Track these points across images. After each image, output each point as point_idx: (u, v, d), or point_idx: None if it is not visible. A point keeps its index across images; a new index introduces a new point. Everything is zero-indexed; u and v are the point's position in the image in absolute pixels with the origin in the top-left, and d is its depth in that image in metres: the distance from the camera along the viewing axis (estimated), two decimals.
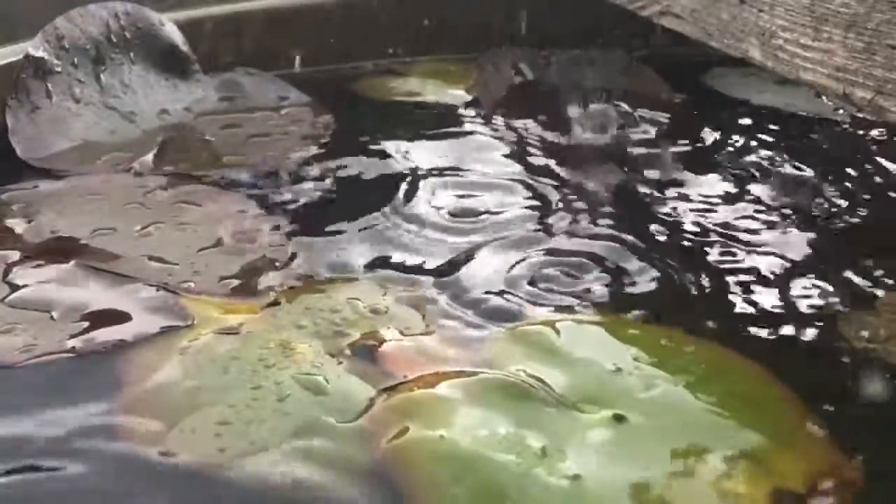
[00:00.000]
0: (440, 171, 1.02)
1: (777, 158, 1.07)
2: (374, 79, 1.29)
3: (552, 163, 1.05)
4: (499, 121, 1.16)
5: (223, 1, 1.24)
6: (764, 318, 0.77)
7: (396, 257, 0.85)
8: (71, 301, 0.76)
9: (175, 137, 1.07)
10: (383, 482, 0.60)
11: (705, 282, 0.82)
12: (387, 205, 0.94)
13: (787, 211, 0.95)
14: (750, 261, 0.85)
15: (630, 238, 0.89)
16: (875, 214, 0.96)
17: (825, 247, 0.88)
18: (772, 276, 0.83)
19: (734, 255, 0.86)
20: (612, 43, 1.31)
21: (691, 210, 0.95)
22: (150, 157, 1.00)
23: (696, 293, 0.80)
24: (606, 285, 0.81)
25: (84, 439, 0.63)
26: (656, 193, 0.99)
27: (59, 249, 0.84)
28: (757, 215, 0.93)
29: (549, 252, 0.86)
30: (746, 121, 1.18)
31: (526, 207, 0.95)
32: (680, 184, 1.01)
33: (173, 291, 0.78)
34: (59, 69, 1.05)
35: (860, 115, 1.13)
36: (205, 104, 1.15)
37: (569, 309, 0.78)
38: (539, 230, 0.90)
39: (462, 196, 0.97)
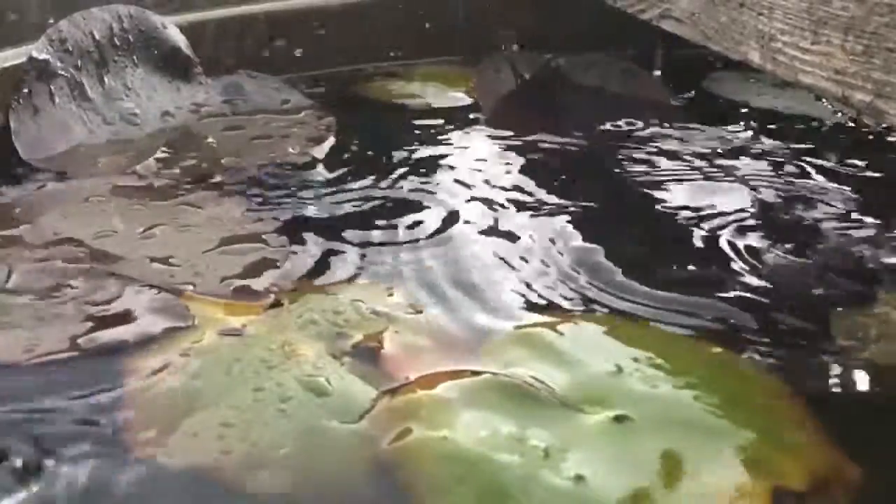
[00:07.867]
0: (441, 173, 1.02)
1: (776, 161, 1.07)
2: (376, 81, 1.30)
3: (551, 165, 1.06)
4: (498, 123, 1.16)
5: (225, 4, 1.25)
6: (762, 318, 0.77)
7: (398, 259, 0.85)
8: (73, 302, 0.77)
9: (178, 139, 1.07)
10: (386, 483, 0.60)
11: (705, 282, 0.82)
12: (388, 206, 0.95)
13: (786, 212, 0.95)
14: (749, 262, 0.85)
15: (630, 239, 0.89)
16: (872, 214, 0.96)
17: (823, 247, 0.88)
18: (770, 277, 0.83)
19: (734, 255, 0.86)
20: None
21: (691, 212, 0.95)
22: (152, 159, 1.01)
23: (696, 294, 0.81)
24: (607, 286, 0.81)
25: (85, 440, 0.63)
26: (655, 196, 0.99)
27: (61, 251, 0.84)
28: (756, 217, 0.94)
29: (550, 253, 0.86)
30: (746, 124, 1.19)
31: (526, 209, 0.95)
32: (679, 186, 1.01)
33: (175, 293, 0.78)
34: (62, 72, 1.06)
35: (859, 117, 1.14)
36: (207, 107, 1.16)
37: (570, 310, 0.78)
38: (539, 232, 0.90)
39: (463, 197, 0.97)
